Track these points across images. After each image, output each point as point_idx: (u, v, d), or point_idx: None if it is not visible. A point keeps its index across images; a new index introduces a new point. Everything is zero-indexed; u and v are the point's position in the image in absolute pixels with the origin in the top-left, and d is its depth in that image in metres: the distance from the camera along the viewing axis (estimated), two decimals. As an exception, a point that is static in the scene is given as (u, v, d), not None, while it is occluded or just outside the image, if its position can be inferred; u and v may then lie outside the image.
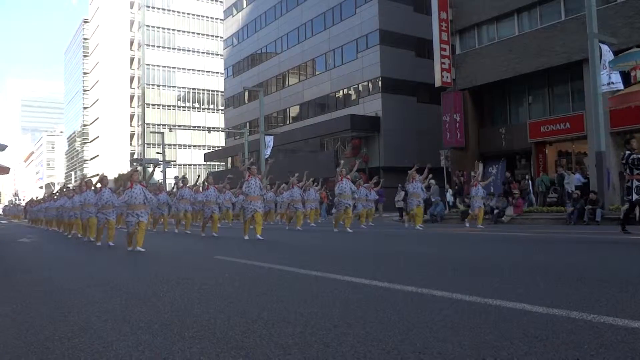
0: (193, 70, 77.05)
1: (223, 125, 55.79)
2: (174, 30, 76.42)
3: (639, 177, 8.61)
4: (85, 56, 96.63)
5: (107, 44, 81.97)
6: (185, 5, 77.14)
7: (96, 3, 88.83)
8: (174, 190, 17.76)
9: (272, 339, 2.60)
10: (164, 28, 75.79)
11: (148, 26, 75.10)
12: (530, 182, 19.17)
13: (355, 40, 34.02)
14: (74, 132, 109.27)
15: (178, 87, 76.53)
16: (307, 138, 36.39)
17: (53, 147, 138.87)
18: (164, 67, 75.43)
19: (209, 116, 76.65)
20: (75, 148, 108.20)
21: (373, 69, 32.57)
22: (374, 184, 17.81)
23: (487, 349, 2.29)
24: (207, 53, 77.87)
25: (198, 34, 78.14)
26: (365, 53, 33.18)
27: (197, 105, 77.47)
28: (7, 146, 17.11)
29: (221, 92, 63.34)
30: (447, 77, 24.18)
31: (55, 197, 19.12)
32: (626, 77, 16.31)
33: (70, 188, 17.11)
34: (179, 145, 73.69)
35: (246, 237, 10.78)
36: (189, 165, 72.92)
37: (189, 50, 77.13)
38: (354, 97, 34.71)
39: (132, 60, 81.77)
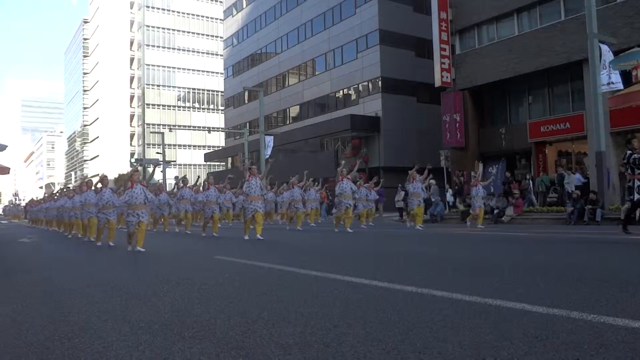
0: (193, 70, 77.05)
1: (223, 125, 55.79)
2: (174, 30, 76.42)
3: None
4: (85, 56, 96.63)
5: (107, 44, 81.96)
6: (185, 5, 77.14)
7: (96, 3, 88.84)
8: (175, 190, 17.76)
9: (272, 339, 2.60)
10: (164, 28, 75.79)
11: (148, 26, 75.10)
12: (531, 182, 19.18)
13: (355, 40, 34.02)
14: (74, 132, 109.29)
15: (178, 87, 76.53)
16: (307, 138, 36.39)
17: (53, 147, 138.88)
18: (164, 67, 75.43)
19: (209, 116, 76.65)
20: (75, 148, 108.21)
21: (373, 69, 32.57)
22: (374, 184, 17.82)
23: (487, 349, 2.29)
24: (207, 53, 77.87)
25: (198, 34, 78.14)
26: (365, 53, 33.18)
27: (197, 105, 77.48)
28: (7, 146, 17.12)
29: (221, 92, 63.33)
30: (447, 77, 24.19)
31: (56, 197, 19.13)
32: (627, 77, 16.32)
33: (71, 188, 17.11)
34: (179, 145, 73.69)
35: (246, 237, 10.78)
36: (189, 165, 72.92)
37: (189, 50, 77.14)
38: (354, 97, 34.72)
39: (132, 60, 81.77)
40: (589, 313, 2.87)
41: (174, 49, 76.05)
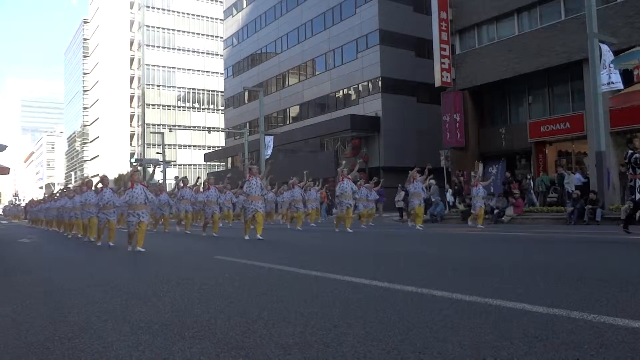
0: (193, 70, 77.06)
1: (223, 126, 55.79)
2: (174, 30, 76.43)
3: None
4: (85, 56, 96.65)
5: (107, 44, 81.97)
6: (185, 5, 77.14)
7: (96, 3, 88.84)
8: (175, 190, 17.77)
9: (272, 339, 2.60)
10: (164, 28, 75.80)
11: (148, 26, 75.11)
12: (531, 181, 19.18)
13: (355, 40, 34.03)
14: (74, 133, 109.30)
15: (178, 87, 76.54)
16: (307, 138, 36.39)
17: (53, 148, 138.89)
18: (164, 67, 75.44)
19: (209, 116, 76.66)
20: (75, 148, 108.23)
21: (373, 69, 32.57)
22: (374, 184, 17.84)
23: (487, 349, 2.29)
24: (207, 53, 77.88)
25: (198, 34, 78.15)
26: (365, 53, 33.18)
27: (197, 105, 77.49)
28: (7, 146, 17.13)
29: (221, 92, 63.34)
30: (447, 77, 24.19)
31: (56, 197, 19.13)
32: (629, 76, 16.30)
33: (70, 188, 17.11)
34: (179, 145, 73.70)
35: (246, 237, 10.78)
36: (189, 165, 72.95)
37: (189, 51, 77.15)
38: (354, 97, 34.72)
39: (132, 60, 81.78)
40: (589, 313, 2.87)
41: (174, 49, 76.06)
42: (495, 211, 17.08)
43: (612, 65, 14.67)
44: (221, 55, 61.83)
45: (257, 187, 10.88)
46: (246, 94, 45.92)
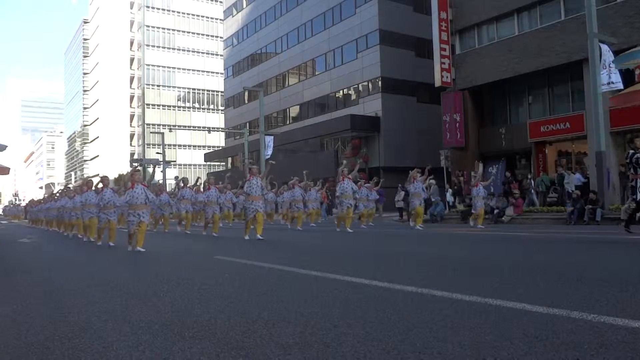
0: (193, 70, 77.07)
1: (223, 125, 55.79)
2: (174, 30, 76.43)
3: None
4: (85, 56, 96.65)
5: (107, 44, 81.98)
6: (185, 5, 77.15)
7: (96, 3, 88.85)
8: (175, 190, 17.78)
9: (272, 339, 2.60)
10: (164, 28, 75.80)
11: (148, 26, 75.11)
12: (532, 181, 19.17)
13: (355, 40, 34.03)
14: (74, 133, 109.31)
15: (178, 87, 76.54)
16: (307, 138, 36.40)
17: (53, 148, 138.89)
18: (164, 67, 75.45)
19: (209, 116, 76.67)
20: (75, 148, 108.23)
21: (373, 69, 32.58)
22: (374, 184, 17.85)
23: (487, 349, 2.29)
24: (207, 53, 77.89)
25: (198, 34, 78.15)
26: (365, 53, 33.19)
27: (197, 105, 77.49)
28: (7, 146, 17.12)
29: (221, 92, 63.34)
30: (447, 77, 24.18)
31: (56, 197, 19.12)
32: (630, 76, 16.28)
33: (71, 188, 17.11)
34: (179, 145, 73.71)
35: (247, 237, 10.78)
36: (189, 165, 72.97)
37: (189, 51, 77.15)
38: (354, 97, 34.72)
39: (132, 60, 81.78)
40: (589, 313, 2.87)
41: (174, 49, 76.07)
42: (495, 211, 17.08)
43: (612, 65, 14.66)
44: (221, 55, 61.84)
45: (258, 187, 10.88)
46: (246, 94, 45.93)
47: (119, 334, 2.86)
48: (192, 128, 75.69)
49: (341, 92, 35.90)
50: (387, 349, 2.36)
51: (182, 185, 16.20)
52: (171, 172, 51.66)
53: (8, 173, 17.95)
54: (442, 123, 24.68)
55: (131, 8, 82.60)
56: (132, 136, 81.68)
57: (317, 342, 2.52)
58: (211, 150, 61.10)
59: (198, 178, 18.02)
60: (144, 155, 67.73)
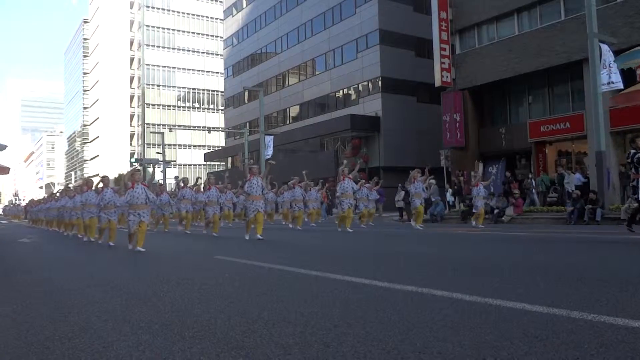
0: (193, 70, 77.07)
1: (223, 125, 55.80)
2: (174, 30, 76.44)
3: None
4: (85, 56, 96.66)
5: (107, 44, 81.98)
6: (185, 5, 77.15)
7: (96, 3, 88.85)
8: (175, 190, 17.79)
9: (272, 339, 2.60)
10: (164, 28, 75.80)
11: (148, 26, 75.11)
12: (533, 181, 19.16)
13: (355, 40, 34.03)
14: (74, 132, 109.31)
15: (178, 87, 76.55)
16: (307, 138, 36.40)
17: (53, 147, 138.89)
18: (164, 67, 75.45)
19: (209, 116, 76.67)
20: (75, 148, 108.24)
21: (373, 68, 32.57)
22: (374, 183, 17.86)
23: (487, 349, 2.29)
24: (207, 53, 77.89)
25: (198, 34, 78.15)
26: (365, 53, 33.18)
27: (197, 105, 77.50)
28: (7, 146, 17.13)
29: (221, 92, 63.35)
30: (447, 77, 24.18)
31: (56, 197, 19.12)
32: (632, 75, 16.27)
33: (71, 188, 17.10)
34: (179, 145, 73.72)
35: (247, 237, 10.79)
36: (189, 165, 72.97)
37: (189, 50, 77.15)
38: (354, 97, 34.72)
39: (132, 60, 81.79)
40: (589, 313, 2.88)
41: (174, 48, 76.08)
42: (495, 211, 17.08)
43: (612, 65, 14.66)
44: (221, 55, 61.84)
45: (258, 186, 10.87)
46: (246, 93, 45.93)
47: (119, 333, 2.86)
48: (192, 128, 75.71)
49: (341, 92, 35.90)
50: (387, 348, 2.36)
51: (182, 185, 16.20)
52: (171, 172, 51.67)
53: (8, 173, 17.95)
54: (442, 123, 24.68)
55: (131, 8, 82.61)
56: (132, 136, 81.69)
57: (317, 342, 2.52)
58: (211, 150, 61.10)
59: (198, 178, 18.02)
60: (144, 155, 67.72)
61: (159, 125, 70.45)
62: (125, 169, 53.11)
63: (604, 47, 14.88)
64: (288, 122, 41.09)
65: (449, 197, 21.66)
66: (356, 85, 34.34)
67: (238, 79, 47.14)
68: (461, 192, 20.84)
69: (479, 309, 3.15)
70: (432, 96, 28.73)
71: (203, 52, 77.80)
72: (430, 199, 18.44)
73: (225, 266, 6.36)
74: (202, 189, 15.38)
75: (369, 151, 32.47)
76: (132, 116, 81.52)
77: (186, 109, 76.75)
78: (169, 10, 76.45)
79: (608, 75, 14.72)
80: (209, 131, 62.87)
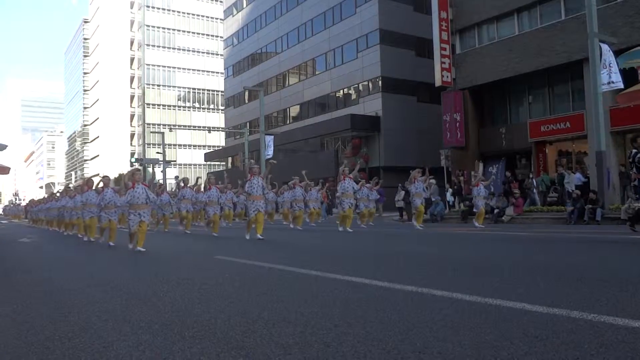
0: (193, 70, 77.07)
1: (223, 125, 55.80)
2: (174, 30, 76.44)
3: None
4: (85, 56, 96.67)
5: (107, 44, 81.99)
6: (185, 5, 77.16)
7: (96, 3, 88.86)
8: (175, 190, 17.80)
9: (272, 339, 2.60)
10: (164, 28, 75.81)
11: (148, 26, 75.12)
12: (534, 181, 19.15)
13: (355, 40, 34.03)
14: (74, 132, 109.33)
15: (178, 87, 76.55)
16: (307, 138, 36.40)
17: (53, 147, 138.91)
18: (164, 67, 75.45)
19: (209, 116, 76.68)
20: (75, 148, 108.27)
21: (373, 68, 32.57)
22: (374, 183, 17.85)
23: (487, 349, 2.29)
24: (207, 53, 77.89)
25: (198, 33, 78.15)
26: (365, 53, 33.18)
27: (197, 105, 77.51)
28: (7, 146, 17.13)
29: (221, 92, 63.35)
30: (447, 77, 24.18)
31: (57, 197, 19.12)
32: (634, 75, 16.24)
33: (71, 188, 17.11)
34: (179, 145, 73.73)
35: (247, 237, 10.79)
36: (189, 165, 72.97)
37: (189, 50, 77.15)
38: (354, 96, 34.72)
39: (132, 60, 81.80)
40: (589, 313, 2.87)
41: (174, 48, 76.08)
42: (496, 211, 17.07)
43: (612, 65, 14.65)
44: (221, 55, 61.83)
45: (259, 186, 10.88)
46: (246, 93, 45.93)
47: (119, 333, 2.86)
48: (192, 128, 75.71)
49: (341, 91, 35.89)
50: (388, 348, 2.36)
51: (182, 185, 16.22)
52: (171, 172, 51.68)
53: (8, 173, 17.96)
54: (442, 123, 24.68)
55: (131, 8, 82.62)
56: (132, 136, 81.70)
57: (317, 341, 2.53)
58: (211, 150, 61.11)
59: (198, 178, 18.03)
60: (144, 155, 67.74)
61: (159, 125, 70.43)
62: (126, 169, 53.11)
63: (604, 47, 14.87)
64: (288, 122, 41.09)
65: (449, 197, 21.65)
66: (356, 85, 34.34)
67: (238, 79, 47.15)
68: (461, 192, 20.84)
69: (479, 308, 3.15)
70: (432, 96, 28.73)
71: (203, 52, 77.81)
72: (431, 198, 18.43)
73: (225, 266, 6.36)
74: (202, 189, 15.40)
75: (369, 151, 32.47)
76: (132, 116, 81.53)
77: (186, 108, 76.76)
78: (169, 10, 76.45)
79: (608, 75, 14.71)
80: (209, 131, 62.86)
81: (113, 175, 59.25)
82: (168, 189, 22.36)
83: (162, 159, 39.78)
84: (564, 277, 4.47)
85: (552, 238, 9.70)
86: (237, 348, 2.48)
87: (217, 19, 74.26)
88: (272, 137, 31.31)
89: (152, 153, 64.94)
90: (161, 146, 41.17)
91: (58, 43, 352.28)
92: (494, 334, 2.54)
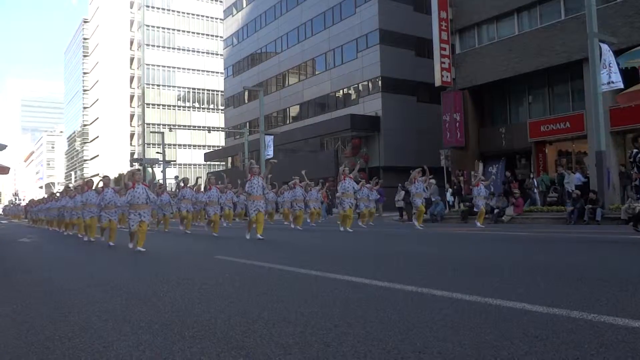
0: (193, 70, 77.06)
1: (223, 125, 55.79)
2: (174, 30, 76.43)
3: None
4: (85, 56, 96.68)
5: (107, 44, 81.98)
6: (185, 5, 77.14)
7: (96, 3, 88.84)
8: (175, 190, 17.81)
9: (272, 339, 2.60)
10: (164, 28, 75.80)
11: (148, 26, 75.10)
12: (535, 181, 19.14)
13: (355, 40, 34.02)
14: (74, 132, 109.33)
15: (178, 87, 76.54)
16: (307, 138, 36.39)
17: (53, 147, 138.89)
18: (164, 67, 75.44)
19: (209, 116, 76.67)
20: (75, 148, 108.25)
21: (373, 68, 32.57)
22: (374, 183, 17.86)
23: (487, 349, 2.29)
24: (207, 53, 77.88)
25: (198, 33, 78.15)
26: (365, 52, 33.18)
27: (197, 105, 77.50)
28: (7, 146, 17.12)
29: (221, 91, 63.34)
30: (447, 77, 24.18)
31: (57, 197, 19.13)
32: (634, 75, 16.23)
33: (71, 188, 17.12)
34: (179, 145, 73.73)
35: (247, 237, 10.79)
36: (189, 165, 72.96)
37: (189, 50, 77.14)
38: (353, 96, 34.72)
39: (132, 60, 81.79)
40: (589, 312, 2.88)
41: (174, 48, 76.07)
42: (496, 211, 17.06)
43: (612, 65, 14.64)
44: (221, 54, 61.82)
45: (259, 186, 10.88)
46: (246, 93, 45.92)
47: (119, 333, 2.86)
48: (192, 128, 75.70)
49: (341, 91, 35.89)
50: (388, 348, 2.36)
51: (182, 185, 16.22)
52: (171, 172, 51.68)
53: (8, 173, 17.95)
54: (442, 123, 24.68)
55: (131, 8, 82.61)
56: (132, 136, 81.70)
57: (317, 341, 2.53)
58: (211, 150, 61.10)
59: (198, 178, 18.02)
60: (144, 155, 67.74)
61: (159, 125, 70.43)
62: (125, 168, 53.12)
63: (604, 47, 14.87)
64: (288, 122, 41.08)
65: (449, 197, 21.64)
66: (356, 85, 34.34)
67: (238, 79, 47.14)
68: (461, 192, 20.84)
69: (479, 308, 3.15)
70: (432, 96, 28.72)
71: (203, 52, 77.80)
72: (431, 198, 18.43)
73: (225, 266, 6.36)
74: (202, 189, 15.40)
75: (369, 151, 32.47)
76: (132, 116, 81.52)
77: (186, 108, 76.76)
78: (169, 10, 76.44)
79: (608, 75, 14.70)
80: (209, 131, 62.84)
81: (113, 175, 59.46)
82: (168, 189, 22.36)
83: (162, 159, 39.79)
84: (564, 277, 4.47)
85: (552, 238, 9.70)
86: (237, 348, 2.48)
87: (217, 18, 74.25)
88: (272, 137, 31.30)
89: (152, 153, 64.93)
90: (161, 146, 41.18)
91: (58, 43, 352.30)
92: (494, 333, 2.54)
